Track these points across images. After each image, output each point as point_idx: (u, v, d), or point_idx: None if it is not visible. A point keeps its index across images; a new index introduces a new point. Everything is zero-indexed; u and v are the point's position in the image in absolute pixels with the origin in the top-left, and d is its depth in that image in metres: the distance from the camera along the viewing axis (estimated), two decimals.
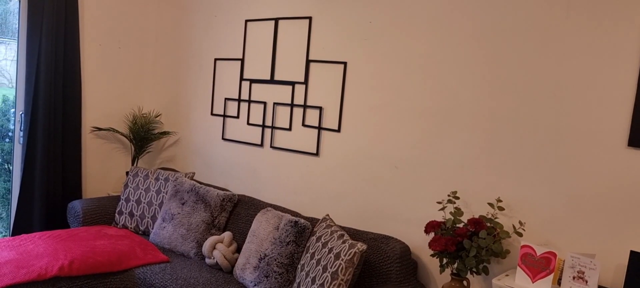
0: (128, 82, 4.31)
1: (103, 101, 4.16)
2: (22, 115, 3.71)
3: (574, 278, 2.04)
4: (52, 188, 3.75)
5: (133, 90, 4.35)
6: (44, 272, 2.64)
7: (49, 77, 3.64)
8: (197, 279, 2.84)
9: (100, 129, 4.08)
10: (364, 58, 3.04)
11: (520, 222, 2.39)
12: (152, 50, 4.42)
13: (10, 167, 3.89)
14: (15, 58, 3.75)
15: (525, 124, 2.45)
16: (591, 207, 2.26)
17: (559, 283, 2.20)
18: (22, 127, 3.71)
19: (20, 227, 3.68)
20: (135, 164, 4.18)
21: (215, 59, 3.91)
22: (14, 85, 3.80)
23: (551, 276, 2.10)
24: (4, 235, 4.01)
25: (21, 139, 3.73)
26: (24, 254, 2.79)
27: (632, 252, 2.02)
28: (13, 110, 3.88)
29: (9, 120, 3.96)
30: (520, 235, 2.36)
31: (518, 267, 2.19)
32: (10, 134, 3.96)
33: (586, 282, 2.01)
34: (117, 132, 4.11)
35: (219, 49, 3.89)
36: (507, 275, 2.29)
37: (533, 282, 2.14)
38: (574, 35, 2.30)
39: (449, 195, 2.64)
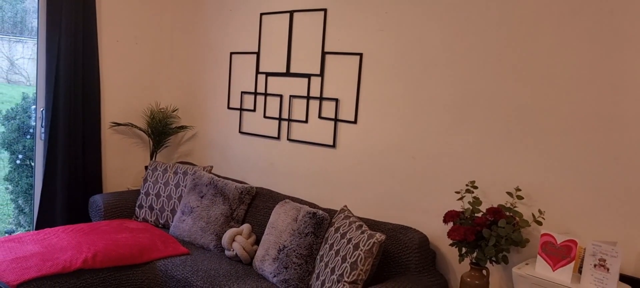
0: (145, 78, 4.35)
1: (121, 97, 4.21)
2: (43, 111, 3.77)
3: (595, 266, 2.03)
4: (73, 183, 3.81)
5: (150, 86, 4.40)
6: (68, 264, 2.69)
7: (69, 73, 3.70)
8: (217, 271, 2.87)
9: (119, 124, 4.13)
10: (380, 49, 3.03)
11: (539, 211, 2.38)
12: (169, 45, 4.46)
13: (33, 163, 3.96)
14: (35, 56, 3.81)
15: (544, 112, 2.43)
16: (612, 195, 2.25)
17: (580, 272, 2.19)
18: (43, 124, 3.77)
19: (44, 221, 3.75)
20: (153, 158, 4.23)
21: (231, 53, 3.93)
22: (32, 82, 3.87)
23: (572, 264, 2.09)
24: (28, 230, 4.09)
25: (43, 135, 3.79)
26: (49, 247, 2.85)
27: None
28: (34, 107, 3.94)
29: (30, 117, 4.03)
30: (539, 223, 2.35)
31: (538, 256, 2.19)
32: (31, 130, 4.03)
33: (608, 269, 2.00)
34: (136, 127, 4.16)
35: (234, 43, 3.91)
36: (527, 264, 2.29)
37: (554, 271, 2.13)
38: (595, 19, 2.28)
39: (467, 185, 2.63)
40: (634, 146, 2.18)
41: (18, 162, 4.07)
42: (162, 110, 4.29)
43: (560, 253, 2.12)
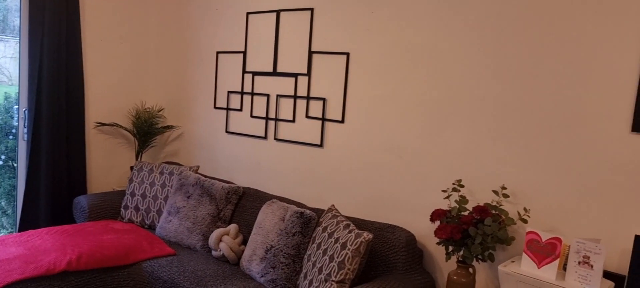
0: (130, 77, 4.31)
1: (106, 96, 4.17)
2: (26, 112, 3.72)
3: (579, 263, 2.06)
4: (57, 184, 3.76)
5: (135, 85, 4.36)
6: (52, 266, 2.66)
7: (52, 73, 3.65)
8: (204, 271, 2.86)
9: (103, 124, 4.09)
10: (366, 49, 3.04)
11: (525, 209, 2.41)
12: (154, 44, 4.43)
13: (15, 164, 3.91)
14: (16, 55, 3.75)
15: (529, 111, 2.46)
16: (596, 192, 2.28)
17: (565, 269, 2.21)
18: (26, 124, 3.72)
19: (27, 223, 3.70)
20: (139, 159, 4.20)
21: (217, 52, 3.91)
22: (14, 82, 3.81)
23: (557, 261, 2.11)
24: (11, 232, 4.03)
25: (26, 135, 3.74)
26: (32, 249, 2.82)
27: (637, 237, 2.03)
28: (16, 107, 3.89)
29: (12, 117, 3.97)
30: (525, 221, 2.38)
31: (524, 253, 2.21)
32: (13, 131, 3.97)
33: (592, 266, 2.03)
34: (121, 127, 4.12)
35: (220, 42, 3.90)
36: (512, 262, 2.31)
37: (539, 268, 2.16)
38: (577, 21, 2.31)
39: (453, 184, 2.65)
40: (616, 145, 2.21)
41: (0, 163, 4.01)
42: (148, 109, 4.26)
43: (545, 251, 2.15)
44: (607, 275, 2.20)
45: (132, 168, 3.79)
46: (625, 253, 2.20)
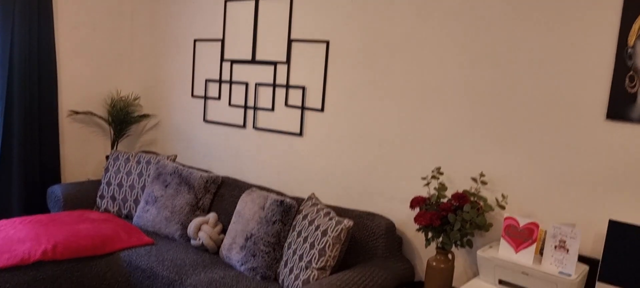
0: (105, 65, 4.23)
1: (80, 84, 4.08)
2: None
3: (555, 247, 2.11)
4: (30, 174, 3.68)
5: (110, 73, 4.27)
6: (27, 256, 2.60)
7: (23, 59, 3.56)
8: (183, 260, 2.83)
9: (78, 113, 4.01)
10: (346, 37, 3.04)
11: (503, 196, 2.45)
12: (128, 31, 4.35)
13: None
14: None
15: (506, 99, 2.50)
16: (571, 179, 2.33)
17: (541, 253, 2.26)
18: None
19: None
20: (115, 148, 4.13)
21: (195, 40, 3.86)
22: None
23: (534, 246, 2.16)
24: None
25: None
26: (5, 239, 2.75)
27: (611, 221, 2.09)
28: None
29: None
30: (503, 208, 2.42)
31: (501, 238, 2.25)
32: None
33: (567, 250, 2.08)
34: (96, 115, 4.04)
35: (198, 30, 3.85)
36: (490, 247, 2.35)
37: (516, 252, 2.20)
38: (553, 10, 2.35)
39: (432, 171, 2.68)
40: (591, 132, 2.27)
41: None
42: (123, 98, 4.18)
43: (523, 236, 2.19)
44: (581, 259, 2.26)
45: (107, 157, 3.73)
46: (599, 237, 2.26)
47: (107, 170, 3.62)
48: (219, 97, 3.73)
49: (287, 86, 3.33)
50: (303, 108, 3.26)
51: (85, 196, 3.56)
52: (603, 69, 2.22)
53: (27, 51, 3.58)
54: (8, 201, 3.64)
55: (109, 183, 3.58)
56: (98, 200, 3.57)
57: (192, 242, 3.10)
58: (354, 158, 3.05)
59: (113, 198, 3.55)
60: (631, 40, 2.14)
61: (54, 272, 2.69)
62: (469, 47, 2.60)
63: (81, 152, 4.15)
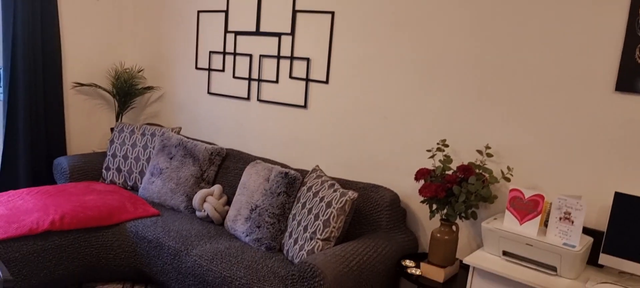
0: (108, 36, 4.20)
1: (84, 56, 4.07)
2: (1, 70, 3.61)
3: (560, 219, 2.11)
4: (36, 145, 3.69)
5: (114, 45, 4.25)
6: (35, 226, 2.63)
7: (27, 31, 3.54)
8: (189, 231, 2.86)
9: (82, 85, 4.00)
10: (352, 7, 3.00)
11: (508, 168, 2.45)
12: (132, 2, 4.31)
13: None
14: None
15: (513, 71, 2.47)
16: (578, 151, 2.32)
17: (546, 225, 2.27)
18: (2, 83, 3.62)
19: (6, 184, 3.64)
20: (119, 120, 4.13)
21: (199, 11, 3.82)
22: None
23: (539, 218, 2.16)
24: None
25: (1, 95, 3.64)
26: (14, 210, 2.77)
27: (616, 193, 2.09)
28: None
29: None
30: (508, 180, 2.42)
31: (506, 210, 2.25)
32: None
33: (572, 222, 2.08)
34: (100, 87, 4.04)
35: (201, 1, 3.81)
36: (495, 219, 2.36)
37: (521, 224, 2.21)
38: None
39: (438, 143, 2.67)
40: (599, 104, 2.25)
41: None
42: (127, 70, 4.17)
43: (528, 208, 2.19)
44: (586, 231, 2.26)
45: (112, 129, 3.73)
46: (603, 210, 2.26)
47: (112, 142, 3.63)
48: (223, 69, 3.71)
49: (292, 58, 3.30)
50: (307, 80, 3.24)
51: (91, 168, 3.58)
52: (613, 40, 2.19)
53: (31, 23, 3.56)
54: (15, 173, 3.66)
55: (114, 155, 3.59)
56: (104, 171, 3.59)
57: (197, 213, 3.12)
58: (358, 130, 3.04)
59: (118, 170, 3.56)
60: None
61: (62, 242, 2.72)
62: (475, 18, 2.57)
63: (86, 124, 4.16)
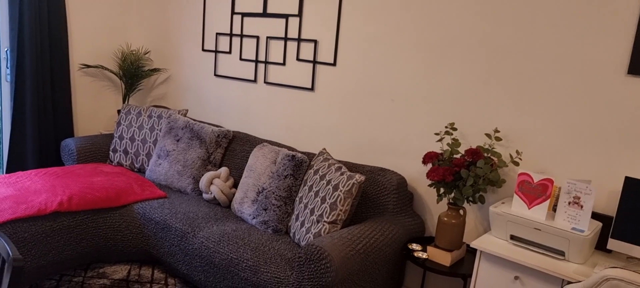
0: (115, 18, 4.18)
1: (90, 38, 4.05)
2: (8, 52, 3.61)
3: (569, 203, 2.10)
4: (43, 127, 3.70)
5: (120, 27, 4.23)
6: (43, 207, 2.64)
7: (33, 12, 3.52)
8: (196, 213, 2.86)
9: (88, 66, 3.99)
10: None
11: (517, 152, 2.43)
12: None
13: (0, 106, 3.82)
14: None
15: (523, 53, 2.44)
16: (588, 135, 2.30)
17: (555, 210, 2.25)
18: (8, 65, 3.62)
19: (14, 165, 3.65)
20: (126, 102, 4.13)
21: None
22: None
23: (547, 202, 2.15)
24: None
25: (8, 76, 3.64)
26: (22, 190, 2.79)
27: (627, 178, 2.07)
28: None
29: None
30: (516, 164, 2.40)
31: (515, 194, 2.24)
32: None
33: (581, 207, 2.06)
34: (107, 69, 4.03)
35: None
36: (503, 203, 2.35)
37: (529, 208, 2.19)
38: None
39: (446, 127, 2.65)
40: (611, 87, 2.22)
41: None
42: (134, 52, 4.16)
43: (537, 192, 2.18)
44: (595, 216, 2.25)
45: (119, 111, 3.73)
46: (613, 194, 2.24)
47: (119, 124, 3.63)
48: (230, 51, 3.69)
49: (299, 40, 3.28)
50: (315, 62, 3.22)
51: (98, 149, 3.59)
52: (626, 22, 2.16)
53: (37, 5, 3.54)
54: (23, 154, 3.67)
55: (121, 137, 3.59)
56: (111, 153, 3.60)
57: (204, 195, 3.13)
58: (366, 113, 3.03)
59: (126, 152, 3.57)
60: None
61: (70, 222, 2.74)
62: (484, 1, 2.53)
63: (93, 106, 4.16)
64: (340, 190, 2.50)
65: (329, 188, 2.55)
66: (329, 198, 2.52)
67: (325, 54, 3.16)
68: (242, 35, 3.60)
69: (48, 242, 2.64)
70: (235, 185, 3.21)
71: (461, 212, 2.50)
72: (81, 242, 2.79)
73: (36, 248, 2.59)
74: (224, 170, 3.18)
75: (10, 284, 1.32)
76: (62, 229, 2.70)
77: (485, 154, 2.42)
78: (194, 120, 3.65)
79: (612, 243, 2.09)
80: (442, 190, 2.48)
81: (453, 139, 2.52)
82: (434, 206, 2.81)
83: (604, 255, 2.20)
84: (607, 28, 2.20)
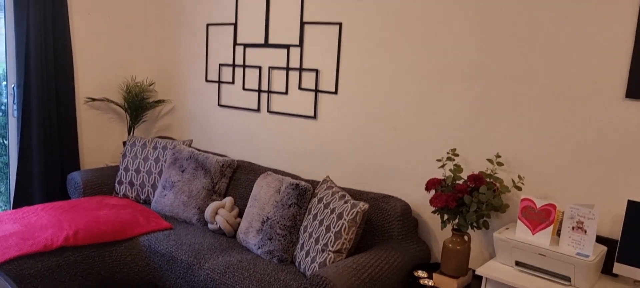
0: (120, 51, 4.25)
1: (96, 71, 4.12)
2: (15, 88, 3.67)
3: (573, 228, 2.09)
4: (50, 161, 3.74)
5: (125, 59, 4.30)
6: (49, 242, 2.66)
7: (39, 48, 3.59)
8: (201, 244, 2.87)
9: (94, 100, 4.05)
10: (359, 19, 3.01)
11: (519, 177, 2.43)
12: (142, 17, 4.36)
13: (6, 141, 3.87)
14: (3, 30, 3.68)
15: (522, 79, 2.46)
16: (589, 159, 2.30)
17: (559, 234, 2.25)
18: (15, 100, 3.67)
19: (21, 200, 3.68)
20: (131, 134, 4.17)
21: (208, 24, 3.86)
22: (1, 58, 3.74)
23: (551, 227, 2.15)
24: (5, 209, 4.01)
25: (15, 112, 3.70)
26: (28, 226, 2.81)
27: (629, 202, 2.07)
28: (4, 83, 3.83)
29: (0, 94, 3.92)
30: (519, 189, 2.40)
31: (518, 220, 2.24)
32: (3, 107, 3.92)
33: (585, 231, 2.06)
34: (112, 102, 4.08)
35: (210, 14, 3.84)
36: (507, 229, 2.34)
37: (533, 234, 2.19)
38: None
39: (448, 153, 2.66)
40: (610, 111, 2.23)
41: None
42: (138, 84, 4.21)
43: (540, 217, 2.18)
44: (599, 240, 2.24)
45: (124, 143, 3.77)
46: (617, 218, 2.24)
47: (124, 156, 3.67)
48: (233, 81, 3.74)
49: (301, 69, 3.32)
50: (317, 91, 3.25)
51: (104, 182, 3.62)
52: (623, 47, 2.18)
53: (43, 39, 3.61)
54: (30, 188, 3.71)
55: (126, 169, 3.62)
56: (116, 186, 3.63)
57: (210, 226, 3.14)
58: (368, 140, 3.05)
59: (131, 183, 3.60)
60: None
61: (76, 257, 2.75)
62: (485, 26, 2.56)
63: (99, 139, 4.21)
64: (345, 219, 2.51)
65: (333, 217, 2.55)
66: (334, 227, 2.52)
67: (327, 83, 3.20)
68: (244, 66, 3.64)
69: (54, 278, 2.65)
70: (240, 215, 3.22)
71: (466, 238, 2.49)
72: (87, 276, 2.80)
73: (42, 284, 2.60)
74: (228, 200, 3.20)
75: None
76: (68, 264, 2.71)
77: (488, 179, 2.43)
78: (199, 150, 3.68)
79: (618, 268, 2.08)
80: (446, 216, 2.48)
81: (455, 164, 2.53)
82: (438, 232, 2.81)
83: (610, 280, 2.19)
84: (604, 52, 2.23)
